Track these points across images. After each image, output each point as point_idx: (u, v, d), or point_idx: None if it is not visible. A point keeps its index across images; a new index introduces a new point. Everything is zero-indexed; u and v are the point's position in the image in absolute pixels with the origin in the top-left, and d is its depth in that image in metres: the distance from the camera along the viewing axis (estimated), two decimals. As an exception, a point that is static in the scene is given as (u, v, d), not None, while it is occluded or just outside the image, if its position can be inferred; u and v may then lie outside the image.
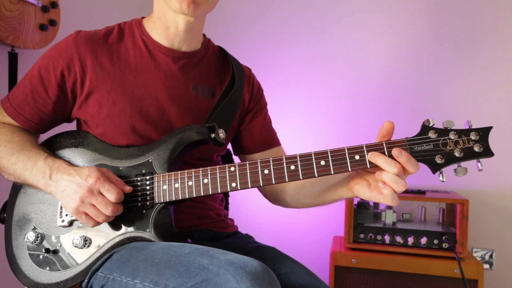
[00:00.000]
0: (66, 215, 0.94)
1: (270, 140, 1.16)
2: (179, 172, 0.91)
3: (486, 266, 1.88)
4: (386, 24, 2.05)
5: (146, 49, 1.03)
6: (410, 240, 1.64)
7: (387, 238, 1.66)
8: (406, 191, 1.75)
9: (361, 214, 1.72)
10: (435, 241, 1.63)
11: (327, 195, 0.98)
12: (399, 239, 1.65)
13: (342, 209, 1.75)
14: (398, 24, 2.04)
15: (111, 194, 0.86)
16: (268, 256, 1.02)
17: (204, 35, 1.12)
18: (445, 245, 1.61)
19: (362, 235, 1.68)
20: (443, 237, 1.62)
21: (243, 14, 2.23)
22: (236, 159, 1.23)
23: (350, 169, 0.83)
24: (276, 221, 2.13)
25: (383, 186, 0.82)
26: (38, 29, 1.46)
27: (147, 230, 0.90)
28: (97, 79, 0.98)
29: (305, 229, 2.10)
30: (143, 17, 1.08)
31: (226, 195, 1.25)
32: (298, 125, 2.13)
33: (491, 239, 1.89)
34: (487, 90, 1.92)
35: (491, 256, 1.88)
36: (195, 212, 1.04)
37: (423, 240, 1.63)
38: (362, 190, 0.87)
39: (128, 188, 0.89)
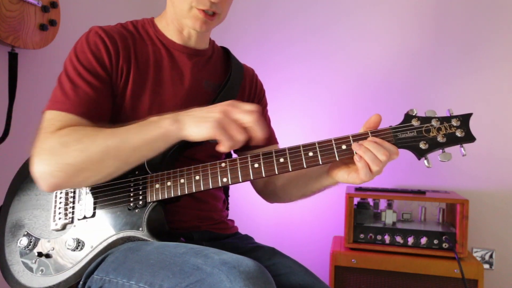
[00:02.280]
0: (59, 218, 0.95)
1: (269, 138, 1.17)
2: (171, 170, 0.91)
3: (486, 266, 1.87)
4: (387, 23, 2.05)
5: (163, 47, 1.05)
6: (410, 240, 1.64)
7: (387, 238, 1.66)
8: (406, 191, 1.75)
9: (361, 214, 1.72)
10: (435, 241, 1.63)
11: (311, 185, 1.02)
12: (399, 239, 1.65)
13: (342, 209, 1.75)
14: (398, 22, 2.04)
15: (250, 106, 0.82)
16: (267, 256, 1.02)
17: None
18: (445, 245, 1.61)
19: (362, 235, 1.68)
20: (443, 237, 1.62)
21: (243, 13, 2.23)
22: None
23: (337, 159, 0.86)
24: (276, 221, 2.13)
25: (358, 159, 0.84)
26: (38, 29, 1.46)
27: (140, 228, 0.90)
28: (127, 74, 0.98)
29: (305, 229, 2.10)
30: (152, 17, 1.10)
31: (226, 195, 1.25)
32: (299, 124, 2.13)
33: (491, 239, 1.88)
34: (487, 90, 1.91)
35: (491, 256, 1.88)
36: (197, 214, 1.05)
37: (423, 240, 1.63)
38: (340, 174, 0.91)
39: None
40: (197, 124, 0.81)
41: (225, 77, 1.12)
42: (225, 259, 0.74)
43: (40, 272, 0.93)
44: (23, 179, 1.01)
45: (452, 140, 0.85)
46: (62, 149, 0.83)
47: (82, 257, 0.92)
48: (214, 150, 1.06)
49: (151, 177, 0.92)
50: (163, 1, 1.07)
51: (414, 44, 2.02)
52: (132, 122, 0.87)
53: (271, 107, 1.26)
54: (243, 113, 0.80)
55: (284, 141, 1.21)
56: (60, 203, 0.96)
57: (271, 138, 1.19)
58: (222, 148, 0.80)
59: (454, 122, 0.85)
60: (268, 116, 1.23)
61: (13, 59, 1.45)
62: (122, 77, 0.97)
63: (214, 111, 0.81)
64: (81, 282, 0.91)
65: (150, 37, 1.05)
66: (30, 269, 0.94)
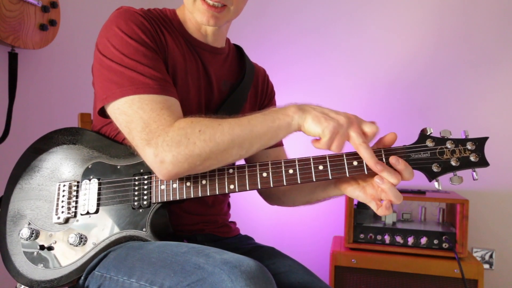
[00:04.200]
0: (62, 212, 0.94)
1: None
2: None
3: (486, 266, 1.87)
4: (387, 22, 2.05)
5: (184, 41, 1.01)
6: (410, 240, 1.64)
7: (387, 238, 1.66)
8: (406, 191, 1.75)
9: (361, 214, 1.72)
10: (435, 241, 1.63)
11: (316, 193, 1.01)
12: (399, 239, 1.65)
13: (342, 209, 1.75)
14: (401, 23, 2.04)
15: (370, 127, 0.82)
16: (267, 255, 1.02)
17: None
18: (445, 245, 1.61)
19: (362, 235, 1.68)
20: (443, 237, 1.62)
21: (243, 13, 2.23)
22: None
23: (347, 175, 0.84)
24: (276, 221, 2.13)
25: (387, 205, 0.84)
26: (38, 29, 1.46)
27: (144, 229, 0.90)
28: (163, 53, 0.94)
29: (305, 229, 2.10)
30: (174, 9, 1.06)
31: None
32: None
33: (491, 239, 1.88)
34: (486, 90, 1.92)
35: (491, 256, 1.88)
36: (201, 219, 1.04)
37: (423, 240, 1.63)
38: (350, 188, 0.90)
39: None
40: (319, 120, 0.80)
41: (239, 76, 1.11)
42: (226, 258, 0.74)
43: (42, 265, 0.92)
44: (25, 167, 1.00)
45: (465, 165, 0.83)
46: (186, 140, 0.80)
47: (84, 253, 0.91)
48: None
49: (156, 177, 0.91)
50: (164, 1, 1.06)
51: (416, 43, 2.02)
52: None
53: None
54: (360, 133, 0.81)
55: (284, 141, 1.21)
56: (63, 196, 0.95)
57: None
58: (318, 145, 0.82)
59: (469, 146, 0.83)
60: None
61: (13, 59, 1.45)
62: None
63: (340, 115, 0.82)
64: (82, 278, 0.90)
65: (173, 29, 1.00)
66: (32, 261, 0.93)
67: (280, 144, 1.18)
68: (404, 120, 1.99)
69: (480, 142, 0.84)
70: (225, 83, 1.07)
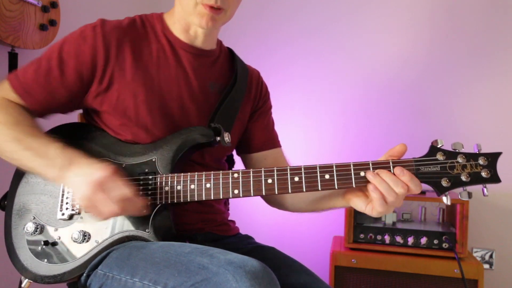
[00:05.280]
0: (67, 208, 0.94)
1: (272, 141, 1.17)
2: (182, 174, 0.90)
3: (486, 266, 1.87)
4: (387, 21, 2.05)
5: (168, 44, 1.02)
6: (410, 240, 1.64)
7: (387, 238, 1.66)
8: (406, 191, 1.75)
9: (361, 214, 1.71)
10: (435, 241, 1.63)
11: (322, 203, 1.00)
12: (399, 239, 1.65)
13: (342, 209, 1.75)
14: (403, 22, 2.04)
15: (121, 191, 0.83)
16: (267, 256, 1.02)
17: None
18: (445, 245, 1.61)
19: (362, 235, 1.68)
20: (443, 237, 1.62)
21: (243, 13, 2.23)
22: (237, 159, 1.23)
23: (354, 185, 0.83)
24: (276, 221, 2.13)
25: (373, 189, 0.82)
26: (38, 29, 1.46)
27: (147, 230, 0.90)
28: (120, 70, 0.96)
29: (305, 229, 2.10)
30: (162, 13, 1.08)
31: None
32: (298, 123, 2.13)
33: (491, 239, 1.89)
34: (489, 93, 1.92)
35: (491, 256, 1.88)
36: (201, 217, 1.04)
37: (423, 240, 1.63)
38: (358, 202, 0.88)
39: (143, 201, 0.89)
40: (75, 191, 0.89)
41: (229, 79, 1.10)
42: (230, 259, 0.74)
43: (46, 260, 0.93)
44: None
45: (476, 180, 0.80)
46: None
47: (87, 251, 0.92)
48: (219, 154, 1.07)
49: (161, 178, 0.91)
50: (164, 1, 1.07)
51: (421, 45, 2.02)
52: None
53: (273, 107, 1.25)
54: (108, 201, 0.83)
55: (284, 141, 1.21)
56: (68, 192, 0.95)
57: (274, 141, 1.18)
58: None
59: (481, 161, 0.80)
60: (272, 118, 1.21)
61: (13, 59, 1.45)
62: (106, 76, 0.95)
63: (89, 184, 0.83)
64: (84, 275, 0.91)
65: (156, 33, 1.02)
66: (36, 255, 0.94)
67: (277, 145, 1.18)
68: (404, 121, 1.99)
69: (492, 158, 0.81)
70: (212, 85, 1.05)
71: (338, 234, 1.95)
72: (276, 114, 1.24)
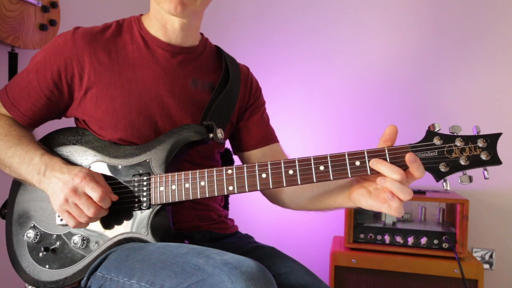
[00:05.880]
0: None
1: (268, 136, 1.15)
2: (176, 173, 0.90)
3: (486, 266, 1.87)
4: (387, 24, 2.05)
5: (144, 44, 1.02)
6: (410, 240, 1.64)
7: (387, 238, 1.66)
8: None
9: (361, 214, 1.72)
10: (435, 241, 1.63)
11: (327, 202, 0.97)
12: (399, 239, 1.65)
13: (342, 209, 1.75)
14: (399, 23, 2.04)
15: (95, 193, 0.85)
16: (267, 256, 1.02)
17: (202, 34, 1.12)
18: (445, 245, 1.61)
19: (362, 235, 1.68)
20: (443, 237, 1.62)
21: (242, 14, 2.23)
22: (236, 159, 1.23)
23: (350, 176, 0.81)
24: (276, 221, 2.13)
25: (391, 198, 0.79)
26: (38, 29, 1.46)
27: (144, 231, 0.90)
28: (95, 75, 0.97)
29: (305, 229, 2.10)
30: (141, 14, 1.08)
31: (226, 195, 1.25)
32: (298, 124, 2.13)
33: (491, 239, 1.88)
34: (488, 90, 1.92)
35: (491, 256, 1.88)
36: (196, 214, 1.04)
37: (423, 240, 1.63)
38: (363, 199, 0.84)
39: (114, 197, 0.89)
40: (51, 198, 0.90)
41: (217, 76, 1.08)
42: (226, 259, 0.74)
43: (47, 266, 0.94)
44: None
45: (476, 163, 0.77)
46: None
47: (86, 255, 0.92)
48: (209, 152, 1.06)
49: (155, 178, 0.91)
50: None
51: (416, 45, 2.02)
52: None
53: (271, 108, 1.25)
54: (80, 208, 0.86)
55: (284, 141, 1.21)
56: None
57: (271, 137, 1.16)
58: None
59: (480, 143, 0.77)
60: (266, 114, 1.20)
61: (13, 59, 1.45)
62: (83, 85, 0.97)
63: (63, 190, 0.87)
64: (84, 279, 0.91)
65: (132, 35, 1.03)
66: (38, 262, 0.95)
67: (275, 141, 1.16)
68: (404, 121, 1.99)
69: (492, 139, 0.77)
70: (195, 82, 1.04)
71: (338, 234, 1.95)
72: (274, 116, 1.24)
